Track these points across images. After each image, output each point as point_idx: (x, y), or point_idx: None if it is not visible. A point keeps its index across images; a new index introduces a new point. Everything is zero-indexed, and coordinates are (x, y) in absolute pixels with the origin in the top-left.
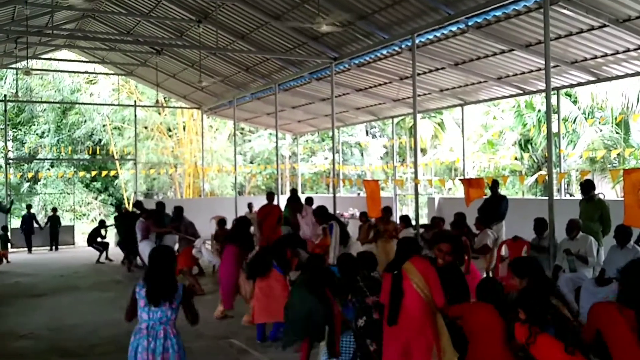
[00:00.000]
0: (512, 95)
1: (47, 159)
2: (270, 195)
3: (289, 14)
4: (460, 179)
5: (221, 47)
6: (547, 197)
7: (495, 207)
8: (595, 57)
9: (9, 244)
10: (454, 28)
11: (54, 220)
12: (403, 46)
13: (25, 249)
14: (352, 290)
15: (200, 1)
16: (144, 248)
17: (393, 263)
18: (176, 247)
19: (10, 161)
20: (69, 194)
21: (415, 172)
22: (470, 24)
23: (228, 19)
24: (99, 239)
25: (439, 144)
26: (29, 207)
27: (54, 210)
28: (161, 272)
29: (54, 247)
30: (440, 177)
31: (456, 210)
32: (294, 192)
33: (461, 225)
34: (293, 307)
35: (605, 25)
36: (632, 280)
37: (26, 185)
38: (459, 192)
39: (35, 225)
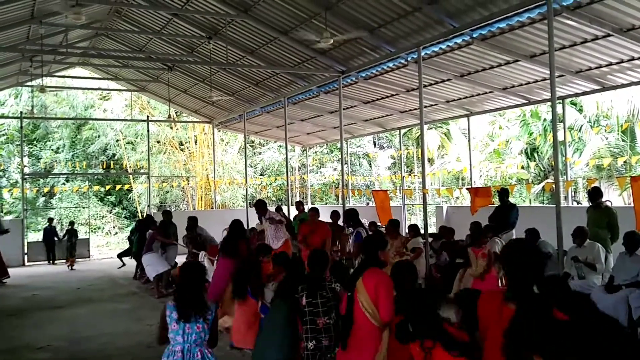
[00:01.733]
0: (517, 105)
1: (62, 174)
2: (314, 211)
3: (296, 30)
4: (467, 188)
5: (231, 63)
6: (554, 205)
7: (505, 216)
8: (600, 66)
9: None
10: (459, 40)
11: (71, 233)
12: (409, 59)
13: (45, 261)
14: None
15: (211, 18)
16: (147, 259)
17: (349, 281)
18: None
19: (27, 176)
20: (84, 207)
21: (424, 182)
22: (475, 36)
23: (237, 34)
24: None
25: (445, 154)
26: (50, 220)
27: (72, 223)
28: (192, 287)
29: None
30: (447, 186)
31: (464, 219)
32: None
33: (478, 236)
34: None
35: (609, 35)
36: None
37: (42, 199)
38: (466, 200)
39: (55, 238)
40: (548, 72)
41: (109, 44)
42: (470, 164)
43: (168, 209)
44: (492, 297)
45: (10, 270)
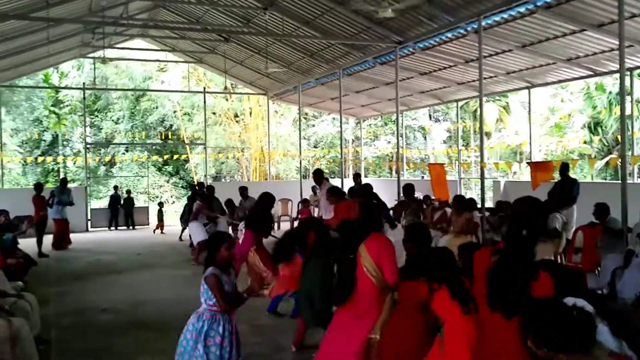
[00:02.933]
0: (582, 77)
1: (122, 144)
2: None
3: None
4: (527, 162)
5: (287, 34)
6: (618, 181)
7: (565, 191)
8: None
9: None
10: (522, 9)
11: (129, 201)
12: (469, 29)
13: (106, 227)
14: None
15: None
16: (192, 228)
17: (352, 245)
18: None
19: (89, 146)
20: (142, 177)
21: (481, 155)
22: (539, 4)
23: (293, 5)
24: None
25: (503, 128)
26: (115, 188)
27: (129, 192)
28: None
29: (130, 226)
30: (505, 160)
31: (522, 193)
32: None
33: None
34: (305, 278)
35: None
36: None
37: (103, 168)
38: (524, 175)
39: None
40: (616, 42)
41: (167, 15)
42: (530, 138)
43: (212, 184)
44: (484, 251)
45: (75, 236)
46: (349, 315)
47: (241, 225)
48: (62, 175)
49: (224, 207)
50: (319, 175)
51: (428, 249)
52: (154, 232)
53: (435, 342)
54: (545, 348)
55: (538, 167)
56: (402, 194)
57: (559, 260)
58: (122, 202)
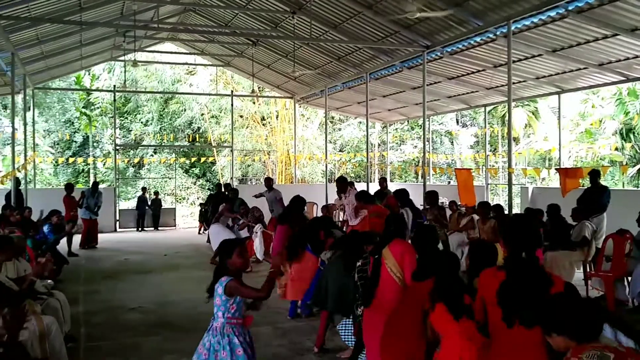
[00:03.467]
0: (614, 83)
1: (150, 146)
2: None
3: (382, 3)
4: (556, 169)
5: (314, 37)
6: None
7: (595, 198)
8: None
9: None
10: (552, 13)
11: (156, 203)
12: (498, 33)
13: (134, 228)
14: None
15: None
16: (211, 231)
17: (376, 246)
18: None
19: (118, 147)
20: (170, 178)
21: (509, 161)
22: (570, 8)
23: (321, 9)
24: None
25: (532, 133)
26: (143, 189)
27: (157, 193)
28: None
29: (157, 227)
30: (533, 166)
31: (550, 200)
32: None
33: (556, 217)
34: (326, 281)
35: None
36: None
37: (131, 170)
38: (553, 182)
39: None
40: None
41: (197, 19)
42: (560, 144)
43: (237, 186)
44: (485, 273)
45: (103, 236)
46: (376, 312)
47: (257, 228)
48: (92, 177)
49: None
50: (342, 182)
51: (433, 252)
52: (199, 232)
53: (435, 356)
54: (556, 333)
55: (568, 174)
56: (424, 201)
57: (588, 269)
58: (149, 203)
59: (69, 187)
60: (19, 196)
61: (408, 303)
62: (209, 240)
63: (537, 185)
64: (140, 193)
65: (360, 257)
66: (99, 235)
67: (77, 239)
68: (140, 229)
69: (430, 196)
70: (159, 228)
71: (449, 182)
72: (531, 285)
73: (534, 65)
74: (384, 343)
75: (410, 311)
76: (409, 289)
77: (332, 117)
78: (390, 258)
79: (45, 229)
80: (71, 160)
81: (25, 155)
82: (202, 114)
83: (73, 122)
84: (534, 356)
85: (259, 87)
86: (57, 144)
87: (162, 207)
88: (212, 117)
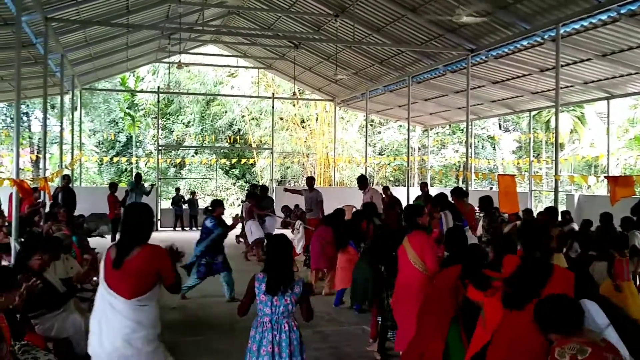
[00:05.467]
0: None
1: (191, 147)
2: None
3: (426, 6)
4: (605, 177)
5: (357, 40)
6: None
7: None
8: None
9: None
10: (604, 17)
11: (192, 202)
12: (546, 37)
13: (171, 227)
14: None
15: None
16: (248, 227)
17: (397, 241)
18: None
19: (160, 147)
20: (210, 179)
21: (556, 168)
22: (623, 11)
23: (365, 12)
24: None
25: (577, 139)
26: (177, 189)
27: (193, 193)
28: (279, 261)
29: (194, 227)
30: (578, 173)
31: (597, 208)
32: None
33: (608, 227)
34: (357, 273)
35: None
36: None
37: (173, 170)
38: (600, 190)
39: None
40: None
41: (240, 22)
42: (608, 151)
43: (266, 185)
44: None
45: None
46: (401, 299)
47: (297, 224)
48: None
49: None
50: (362, 180)
51: (462, 249)
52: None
53: (479, 321)
54: (545, 331)
55: (618, 182)
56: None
57: (639, 281)
58: (179, 203)
59: (113, 186)
60: (70, 194)
61: (437, 288)
62: (239, 240)
63: (583, 193)
64: (174, 194)
65: (388, 251)
66: None
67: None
68: (175, 228)
69: (484, 202)
70: (198, 228)
71: (491, 188)
72: (533, 274)
73: (582, 69)
74: (419, 323)
75: (439, 295)
76: (436, 277)
77: (372, 120)
78: (410, 250)
79: None
80: (115, 159)
81: (72, 154)
82: (243, 116)
83: (117, 122)
84: (531, 338)
85: (299, 90)
86: (102, 144)
87: (199, 207)
88: (253, 119)
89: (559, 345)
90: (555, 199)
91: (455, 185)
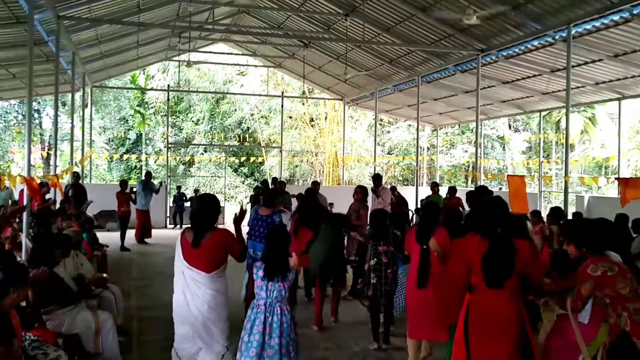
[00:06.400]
0: None
1: (201, 145)
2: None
3: (436, 6)
4: (616, 178)
5: (367, 40)
6: None
7: None
8: None
9: None
10: (616, 17)
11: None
12: (557, 37)
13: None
14: (382, 238)
15: None
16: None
17: (423, 238)
18: None
19: (170, 145)
20: (219, 177)
21: (566, 169)
22: (635, 12)
23: (375, 11)
24: None
25: (588, 140)
26: (179, 187)
27: (196, 191)
28: (277, 251)
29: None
30: (588, 174)
31: (607, 210)
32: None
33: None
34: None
35: None
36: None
37: (182, 167)
38: (609, 191)
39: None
40: None
41: (250, 20)
42: (619, 152)
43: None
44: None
45: (155, 232)
46: (429, 289)
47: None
48: (144, 173)
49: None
50: (377, 179)
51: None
52: None
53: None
54: (579, 247)
55: (628, 184)
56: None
57: None
58: (180, 202)
59: (123, 183)
60: (80, 190)
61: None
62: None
63: (593, 194)
64: (175, 192)
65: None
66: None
67: (130, 233)
68: (174, 225)
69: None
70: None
71: (500, 189)
72: (504, 252)
73: (593, 70)
74: (440, 305)
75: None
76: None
77: (381, 120)
78: (435, 245)
79: None
80: (125, 157)
81: (83, 151)
82: (252, 114)
83: (127, 120)
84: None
85: (308, 89)
86: (112, 141)
87: None
88: (262, 117)
89: (592, 263)
90: (565, 200)
91: (464, 185)
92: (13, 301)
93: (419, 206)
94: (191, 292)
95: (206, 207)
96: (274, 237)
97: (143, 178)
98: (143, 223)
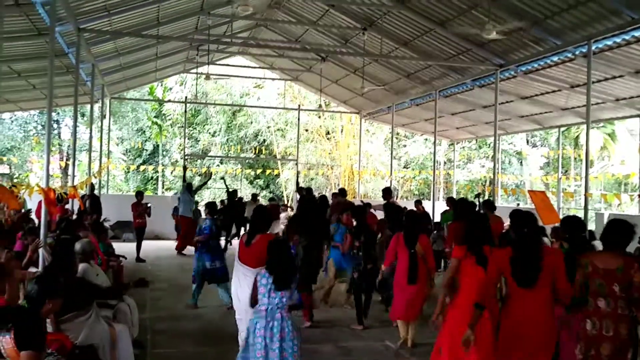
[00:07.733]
0: None
1: (217, 157)
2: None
3: (455, 21)
4: (639, 195)
5: (384, 54)
6: None
7: None
8: None
9: None
10: (637, 33)
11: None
12: (577, 53)
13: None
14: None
15: (367, 9)
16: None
17: (411, 243)
18: None
19: (187, 157)
20: (235, 189)
21: (586, 185)
22: None
23: (393, 26)
24: None
25: (607, 156)
26: (196, 203)
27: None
28: (282, 261)
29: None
30: (608, 191)
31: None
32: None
33: None
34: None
35: None
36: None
37: (198, 179)
38: (630, 208)
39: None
40: None
41: (268, 34)
42: None
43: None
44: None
45: (170, 243)
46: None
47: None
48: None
49: None
50: (387, 192)
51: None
52: None
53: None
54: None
55: None
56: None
57: None
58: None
59: (139, 194)
60: (95, 200)
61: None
62: None
63: (613, 211)
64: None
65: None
66: (166, 241)
67: (157, 244)
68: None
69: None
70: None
71: (518, 205)
72: (534, 251)
73: (614, 86)
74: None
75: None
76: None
77: (398, 134)
78: (419, 249)
79: None
80: (142, 167)
81: (100, 162)
82: (269, 127)
83: (145, 131)
84: (543, 308)
85: (324, 102)
86: (129, 152)
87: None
88: (278, 130)
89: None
90: (585, 217)
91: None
92: (48, 311)
93: (437, 220)
94: (240, 283)
95: (260, 216)
96: (276, 250)
97: (185, 187)
98: (185, 232)
